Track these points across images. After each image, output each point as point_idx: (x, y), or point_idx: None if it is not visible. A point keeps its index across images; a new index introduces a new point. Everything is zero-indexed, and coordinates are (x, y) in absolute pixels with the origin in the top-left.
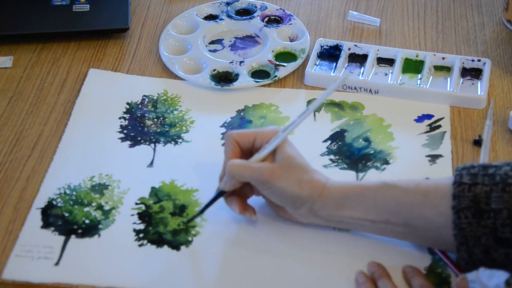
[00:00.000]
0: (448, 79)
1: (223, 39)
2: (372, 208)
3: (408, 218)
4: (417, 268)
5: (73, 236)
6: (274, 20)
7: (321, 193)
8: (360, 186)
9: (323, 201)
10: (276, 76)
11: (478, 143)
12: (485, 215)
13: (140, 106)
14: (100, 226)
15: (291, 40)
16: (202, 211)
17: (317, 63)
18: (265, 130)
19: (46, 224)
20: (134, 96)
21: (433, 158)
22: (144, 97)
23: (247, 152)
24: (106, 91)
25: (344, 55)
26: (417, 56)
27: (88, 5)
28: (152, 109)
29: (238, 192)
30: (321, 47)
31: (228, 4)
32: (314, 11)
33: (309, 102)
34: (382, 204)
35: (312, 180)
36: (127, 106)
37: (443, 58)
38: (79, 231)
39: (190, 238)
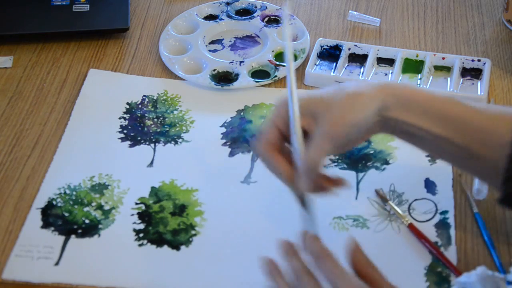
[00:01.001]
0: (448, 79)
1: (223, 39)
2: (438, 120)
3: (470, 141)
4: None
5: (73, 236)
6: (274, 20)
7: (387, 92)
8: (425, 93)
9: (392, 98)
10: (276, 76)
11: None
12: None
13: (140, 106)
14: (100, 226)
15: (291, 40)
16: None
17: (317, 63)
18: (276, 113)
19: (46, 224)
20: (134, 96)
21: (433, 158)
22: (144, 97)
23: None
24: (106, 91)
25: (344, 55)
26: (417, 56)
27: (88, 5)
28: (152, 109)
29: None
30: (321, 47)
31: (228, 4)
32: (314, 11)
33: None
34: (449, 119)
35: (362, 89)
36: (127, 106)
37: (443, 58)
38: (79, 231)
39: (190, 238)
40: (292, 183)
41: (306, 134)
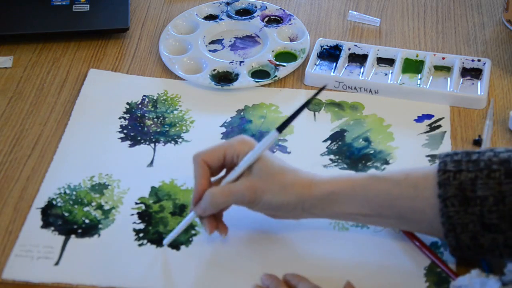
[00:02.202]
0: (448, 79)
1: (223, 39)
2: (364, 203)
3: (400, 211)
4: (297, 274)
5: (73, 236)
6: (274, 20)
7: (309, 192)
8: (349, 181)
9: (313, 199)
10: (276, 76)
11: (478, 143)
12: (471, 203)
13: (140, 106)
14: (100, 225)
15: (291, 40)
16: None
17: (317, 63)
18: (233, 143)
19: (46, 224)
20: (134, 96)
21: (433, 158)
22: (144, 97)
23: (219, 169)
24: (106, 91)
25: (344, 55)
26: (417, 56)
27: (88, 5)
28: (152, 109)
29: None
30: (321, 47)
31: (228, 4)
32: (314, 11)
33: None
34: (374, 199)
35: (296, 182)
36: (127, 106)
37: (443, 58)
38: (79, 230)
39: (190, 238)
40: (196, 200)
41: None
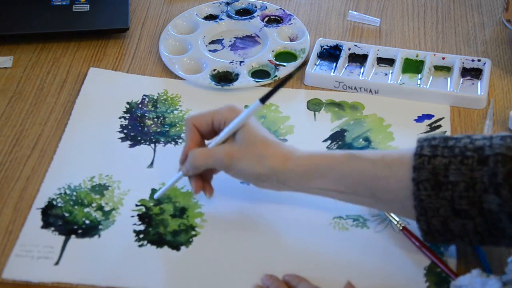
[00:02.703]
0: (448, 79)
1: (223, 39)
2: (339, 179)
3: (374, 191)
4: (297, 275)
5: (73, 236)
6: (274, 20)
7: (284, 165)
8: (327, 157)
9: (288, 173)
10: (276, 76)
11: None
12: (443, 187)
13: (140, 105)
14: (100, 226)
15: (291, 40)
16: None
17: (317, 63)
18: (221, 109)
19: (46, 224)
20: (134, 95)
21: None
22: (144, 97)
23: (210, 133)
24: (107, 90)
25: (344, 55)
26: (417, 56)
27: (88, 5)
28: (152, 109)
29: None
30: (321, 47)
31: (228, 4)
32: (314, 11)
33: (309, 102)
34: (349, 176)
35: (274, 154)
36: (127, 106)
37: (443, 58)
38: (79, 231)
39: (190, 239)
40: (182, 160)
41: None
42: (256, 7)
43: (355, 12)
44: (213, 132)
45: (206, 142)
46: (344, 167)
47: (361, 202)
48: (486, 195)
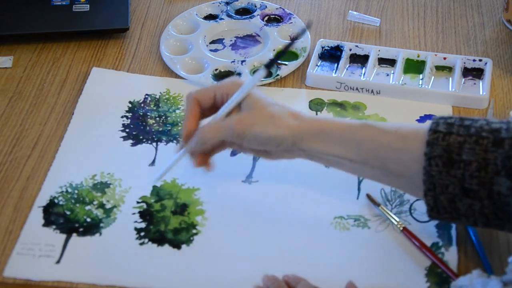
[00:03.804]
0: (450, 79)
1: (223, 39)
2: (352, 147)
3: (385, 162)
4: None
5: (74, 235)
6: (274, 19)
7: (298, 125)
8: (340, 123)
9: (302, 133)
10: (278, 75)
11: None
12: (455, 165)
13: (142, 105)
14: (101, 224)
15: (292, 39)
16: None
17: (318, 64)
18: (224, 82)
19: (47, 222)
20: (137, 95)
21: None
22: (146, 96)
23: (211, 109)
24: (109, 90)
25: (345, 56)
26: (418, 56)
27: (88, 5)
28: (155, 108)
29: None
30: (322, 48)
31: (227, 3)
32: (314, 11)
33: (311, 102)
34: (362, 144)
35: (285, 113)
36: (130, 105)
37: (445, 58)
38: (81, 229)
39: (191, 237)
40: (186, 137)
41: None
42: (256, 6)
43: (355, 12)
44: (214, 108)
45: (207, 119)
46: (357, 135)
47: (370, 174)
48: (498, 178)
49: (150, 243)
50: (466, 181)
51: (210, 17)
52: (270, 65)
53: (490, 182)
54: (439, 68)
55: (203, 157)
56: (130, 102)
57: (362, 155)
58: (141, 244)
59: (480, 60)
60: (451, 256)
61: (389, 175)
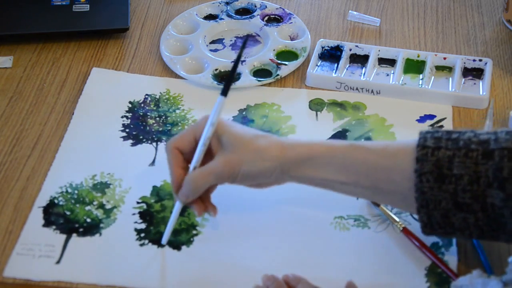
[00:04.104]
0: (450, 79)
1: (223, 39)
2: (341, 169)
3: (376, 181)
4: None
5: (74, 235)
6: (274, 19)
7: (284, 153)
8: (328, 146)
9: (289, 161)
10: (278, 75)
11: None
12: (446, 180)
13: (142, 105)
14: (101, 225)
15: (292, 39)
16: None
17: (318, 64)
18: (199, 123)
19: (47, 223)
20: (137, 94)
21: None
22: (146, 96)
23: (194, 152)
24: (109, 90)
25: (345, 56)
26: (418, 56)
27: (88, 5)
28: (155, 108)
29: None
30: (322, 48)
31: (227, 3)
32: (314, 11)
33: (311, 102)
34: (351, 166)
35: (269, 145)
36: (130, 105)
37: (444, 58)
38: (81, 229)
39: (191, 238)
40: (176, 188)
41: (211, 153)
42: (255, 6)
43: (355, 12)
44: (194, 151)
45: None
46: (346, 157)
47: (362, 194)
48: (490, 190)
49: (150, 244)
50: (458, 195)
51: (210, 17)
52: (226, 91)
53: (483, 194)
54: (439, 68)
55: (202, 204)
56: (130, 102)
57: (352, 177)
58: (141, 245)
59: (480, 60)
60: (451, 256)
61: (381, 194)
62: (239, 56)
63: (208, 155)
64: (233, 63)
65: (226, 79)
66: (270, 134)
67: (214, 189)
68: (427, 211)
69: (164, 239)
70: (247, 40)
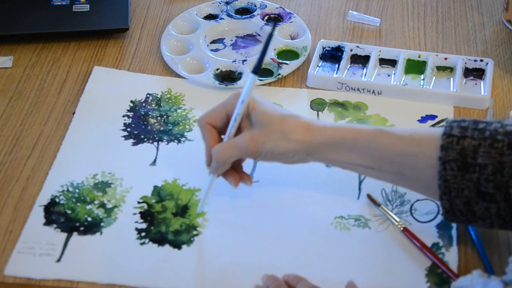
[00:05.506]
0: (451, 79)
1: (224, 38)
2: (366, 154)
3: (400, 168)
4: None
5: (75, 234)
6: (274, 19)
7: (310, 137)
8: (354, 131)
9: (315, 145)
10: (279, 74)
11: None
12: (470, 169)
13: (144, 104)
14: (102, 224)
15: (292, 38)
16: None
17: (319, 65)
18: (229, 100)
19: (48, 221)
20: (138, 94)
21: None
22: (148, 95)
23: (227, 127)
24: (111, 89)
25: (346, 56)
26: (419, 56)
27: (88, 5)
28: (156, 107)
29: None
30: (323, 48)
31: (227, 3)
32: (314, 11)
33: (312, 102)
34: (376, 151)
35: (296, 127)
36: (131, 104)
37: (446, 59)
38: (81, 228)
39: (191, 238)
40: (209, 162)
41: (240, 129)
42: (255, 6)
43: (355, 12)
44: (228, 124)
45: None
46: (371, 142)
47: (386, 178)
48: None
49: (150, 243)
50: (482, 185)
51: (210, 17)
52: (257, 70)
53: (506, 185)
54: (440, 68)
55: (236, 174)
56: (131, 101)
57: (377, 162)
58: (142, 244)
59: (481, 61)
60: (451, 256)
61: (404, 180)
62: (270, 34)
63: (238, 130)
64: (265, 41)
65: (259, 58)
66: (299, 115)
67: (244, 161)
68: (449, 198)
69: (199, 209)
70: (275, 25)
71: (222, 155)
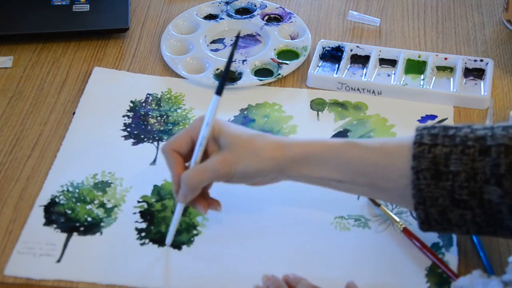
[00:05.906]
0: (451, 79)
1: (224, 38)
2: (337, 167)
3: (373, 179)
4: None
5: (75, 234)
6: (274, 19)
7: (282, 153)
8: (324, 144)
9: (286, 161)
10: (279, 74)
11: None
12: (443, 177)
13: (144, 104)
14: (102, 224)
15: (292, 38)
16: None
17: (319, 65)
18: (194, 124)
19: (48, 222)
20: (138, 94)
21: None
22: (148, 95)
23: (192, 153)
24: (111, 89)
25: (346, 56)
26: (419, 56)
27: (88, 5)
28: (156, 107)
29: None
30: (323, 48)
31: (227, 3)
32: (314, 11)
33: (312, 102)
34: (347, 164)
35: (266, 145)
36: (131, 104)
37: (446, 59)
38: (81, 228)
39: (191, 238)
40: (177, 190)
41: (206, 154)
42: (255, 6)
43: (355, 12)
44: (192, 151)
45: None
46: (342, 155)
47: (359, 191)
48: (487, 186)
49: (151, 243)
50: (455, 192)
51: (210, 17)
52: (221, 91)
53: (480, 191)
54: (440, 68)
55: (204, 201)
56: (131, 102)
57: (349, 175)
58: (142, 244)
59: (481, 61)
60: (451, 256)
61: (378, 191)
62: (231, 55)
63: (204, 156)
64: (226, 62)
65: (220, 79)
66: (267, 134)
67: (211, 186)
68: (424, 208)
69: (168, 240)
70: (238, 38)
71: (192, 180)
